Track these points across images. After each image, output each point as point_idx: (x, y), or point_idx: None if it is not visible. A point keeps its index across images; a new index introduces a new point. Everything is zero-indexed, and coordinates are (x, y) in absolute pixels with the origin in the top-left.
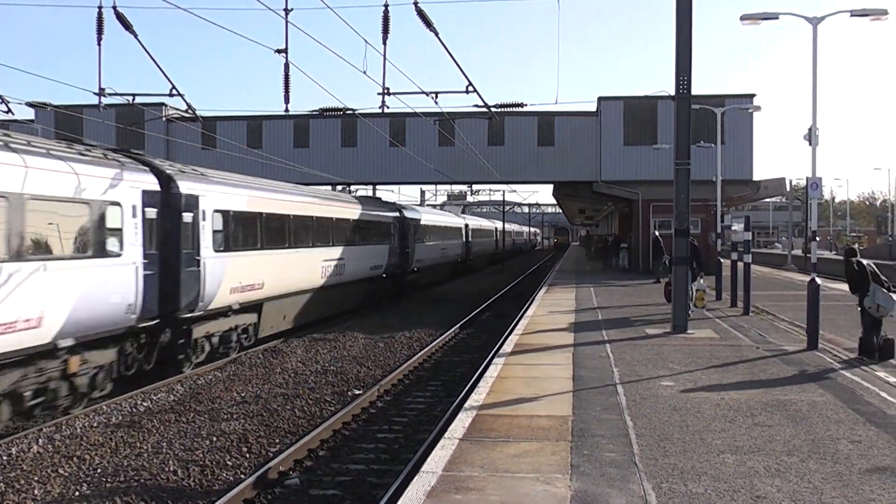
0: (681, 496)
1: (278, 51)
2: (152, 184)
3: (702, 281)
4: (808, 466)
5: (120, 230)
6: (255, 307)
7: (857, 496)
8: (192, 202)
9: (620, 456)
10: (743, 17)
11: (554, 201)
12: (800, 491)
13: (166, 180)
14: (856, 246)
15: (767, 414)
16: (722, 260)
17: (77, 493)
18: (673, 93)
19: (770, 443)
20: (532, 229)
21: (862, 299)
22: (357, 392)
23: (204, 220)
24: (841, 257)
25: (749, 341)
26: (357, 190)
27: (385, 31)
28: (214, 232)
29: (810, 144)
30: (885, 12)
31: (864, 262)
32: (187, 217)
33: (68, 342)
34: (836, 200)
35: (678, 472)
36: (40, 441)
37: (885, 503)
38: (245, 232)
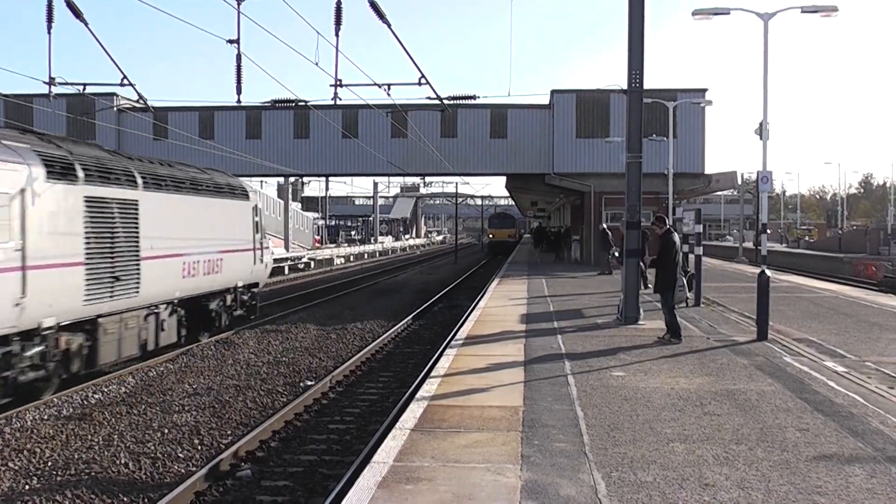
0: (630, 485)
1: (230, 41)
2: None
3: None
4: (756, 454)
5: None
6: None
7: (804, 483)
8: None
9: (571, 446)
10: (695, 13)
11: (507, 193)
12: (747, 478)
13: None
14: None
15: (717, 403)
16: None
17: (27, 487)
18: (625, 86)
19: (719, 432)
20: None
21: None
22: (309, 383)
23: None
24: (794, 250)
25: (700, 332)
26: (310, 182)
27: (338, 22)
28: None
29: (761, 139)
30: (834, 9)
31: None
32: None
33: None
34: (787, 194)
35: (628, 461)
36: None
37: (831, 489)
38: None
